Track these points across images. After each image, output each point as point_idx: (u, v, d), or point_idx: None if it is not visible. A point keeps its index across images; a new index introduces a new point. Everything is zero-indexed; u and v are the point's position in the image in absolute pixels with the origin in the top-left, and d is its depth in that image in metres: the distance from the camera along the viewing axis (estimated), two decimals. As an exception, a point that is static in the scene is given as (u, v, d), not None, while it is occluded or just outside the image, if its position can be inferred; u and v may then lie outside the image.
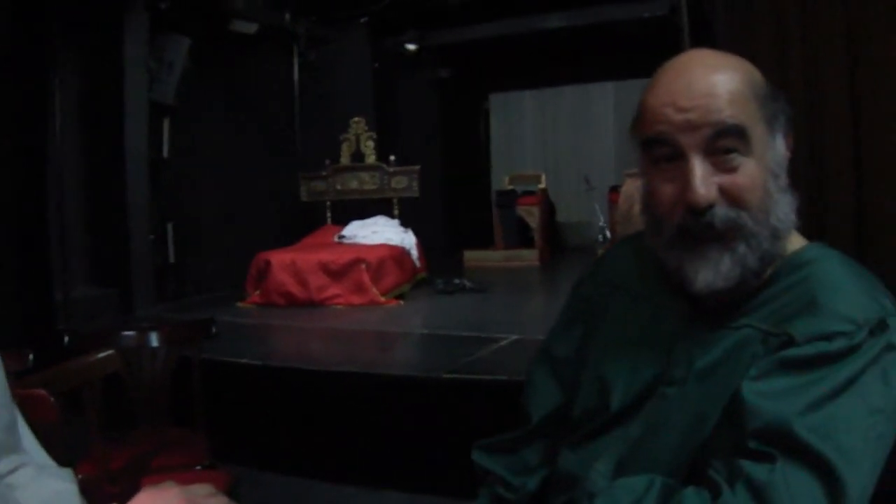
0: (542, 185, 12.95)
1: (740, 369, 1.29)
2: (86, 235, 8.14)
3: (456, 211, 13.78)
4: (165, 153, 8.90)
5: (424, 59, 13.00)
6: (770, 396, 1.22)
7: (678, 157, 1.32)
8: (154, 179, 8.51)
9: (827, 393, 1.20)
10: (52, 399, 2.38)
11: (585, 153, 14.93)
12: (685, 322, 1.42)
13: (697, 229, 1.31)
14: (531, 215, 12.41)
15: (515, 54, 13.50)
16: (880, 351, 1.23)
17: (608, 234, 12.27)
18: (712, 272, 1.32)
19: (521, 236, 12.49)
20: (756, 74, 1.38)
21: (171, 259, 8.97)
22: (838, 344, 1.23)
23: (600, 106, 14.90)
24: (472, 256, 12.25)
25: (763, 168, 1.33)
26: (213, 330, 3.60)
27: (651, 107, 1.36)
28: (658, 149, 1.35)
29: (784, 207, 1.35)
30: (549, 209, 13.32)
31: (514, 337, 5.94)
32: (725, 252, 1.31)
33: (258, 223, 10.23)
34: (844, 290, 1.30)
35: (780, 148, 1.37)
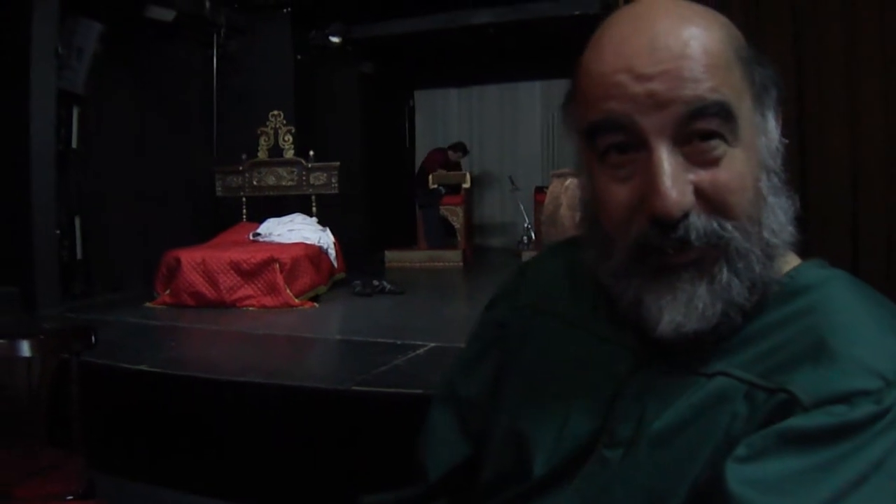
0: (467, 185, 12.70)
1: (714, 435, 0.93)
2: (-14, 230, 7.72)
3: (379, 209, 13.51)
4: (74, 144, 8.47)
5: (349, 54, 12.66)
6: (769, 488, 0.84)
7: (636, 147, 0.95)
8: (61, 171, 8.06)
9: (849, 481, 0.83)
10: None
11: (511, 153, 14.81)
12: (633, 361, 1.04)
13: (665, 248, 0.94)
14: (455, 215, 12.19)
15: (442, 51, 13.34)
16: None
17: (533, 235, 12.22)
18: (683, 310, 0.95)
19: (444, 237, 12.26)
20: (736, 30, 1.01)
21: (79, 255, 8.53)
22: (862, 409, 0.86)
23: (527, 105, 14.81)
24: (393, 257, 12.01)
25: (753, 161, 0.97)
26: (94, 339, 3.26)
27: (597, 75, 0.97)
28: (607, 136, 0.97)
29: (780, 216, 0.99)
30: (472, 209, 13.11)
31: (433, 344, 5.66)
32: (702, 281, 0.95)
33: (171, 219, 9.87)
34: (864, 328, 0.92)
35: (773, 133, 1.01)
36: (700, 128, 0.93)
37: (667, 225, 0.93)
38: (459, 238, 12.22)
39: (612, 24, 0.99)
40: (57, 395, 3.22)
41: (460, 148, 13.28)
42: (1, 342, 3.13)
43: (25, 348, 3.12)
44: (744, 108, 0.96)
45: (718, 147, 0.93)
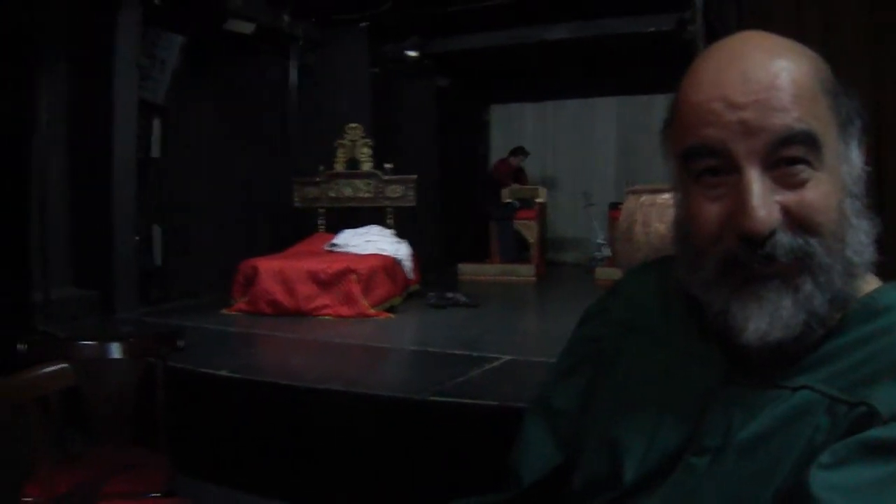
0: (541, 200, 12.63)
1: (797, 445, 0.98)
2: (69, 235, 7.90)
3: (453, 222, 13.50)
4: (155, 153, 8.61)
5: (425, 67, 12.68)
6: (851, 494, 0.88)
7: (728, 171, 1.02)
8: (142, 180, 8.24)
9: None
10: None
11: (586, 168, 14.69)
12: (721, 376, 1.09)
13: (752, 263, 1.00)
14: (529, 230, 12.12)
15: (518, 65, 13.31)
16: None
17: (606, 251, 12.13)
18: (768, 318, 0.99)
19: (517, 251, 12.21)
20: (823, 63, 1.07)
21: (157, 262, 8.69)
22: None
23: (602, 121, 14.65)
24: (467, 270, 11.97)
25: (837, 185, 1.02)
26: (181, 343, 3.31)
27: (694, 104, 1.04)
28: (702, 160, 1.04)
29: (861, 237, 1.04)
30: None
31: (508, 357, 5.65)
32: (787, 292, 1.00)
33: (249, 228, 10.03)
34: None
35: (856, 160, 1.06)
36: (787, 154, 0.99)
37: (754, 242, 0.99)
38: (532, 252, 12.13)
39: (709, 57, 1.07)
40: (142, 397, 3.28)
41: (520, 152, 13.19)
42: (92, 344, 3.20)
43: (115, 351, 3.19)
44: (829, 137, 1.02)
45: (804, 171, 1.00)
